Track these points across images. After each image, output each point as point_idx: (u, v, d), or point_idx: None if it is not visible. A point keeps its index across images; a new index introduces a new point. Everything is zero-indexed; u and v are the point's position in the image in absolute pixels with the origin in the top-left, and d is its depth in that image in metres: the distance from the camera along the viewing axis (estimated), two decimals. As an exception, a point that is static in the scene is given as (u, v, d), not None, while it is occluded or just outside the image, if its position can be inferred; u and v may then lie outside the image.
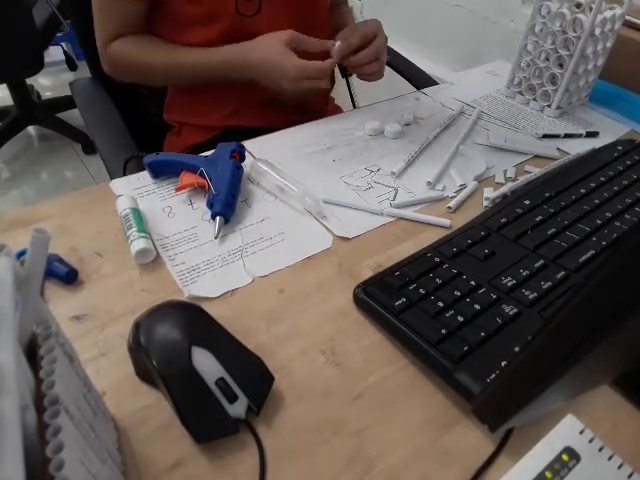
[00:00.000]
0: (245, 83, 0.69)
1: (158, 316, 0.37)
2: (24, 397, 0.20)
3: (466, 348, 0.37)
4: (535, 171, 0.61)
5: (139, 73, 0.73)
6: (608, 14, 0.68)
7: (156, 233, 0.49)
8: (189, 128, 0.79)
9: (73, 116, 1.93)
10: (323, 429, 0.35)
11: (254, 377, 0.35)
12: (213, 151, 0.56)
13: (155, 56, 0.71)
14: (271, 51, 0.64)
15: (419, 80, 0.94)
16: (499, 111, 0.75)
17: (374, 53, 0.68)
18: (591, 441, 0.34)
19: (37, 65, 1.68)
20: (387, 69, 0.83)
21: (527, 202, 0.53)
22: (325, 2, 0.78)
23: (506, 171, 0.62)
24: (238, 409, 0.33)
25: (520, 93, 0.78)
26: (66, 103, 2.00)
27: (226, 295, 0.44)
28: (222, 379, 0.34)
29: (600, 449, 0.33)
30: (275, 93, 0.69)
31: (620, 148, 0.64)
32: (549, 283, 0.43)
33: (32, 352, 0.23)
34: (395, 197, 0.56)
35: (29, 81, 1.90)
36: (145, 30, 0.72)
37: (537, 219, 0.51)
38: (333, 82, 0.80)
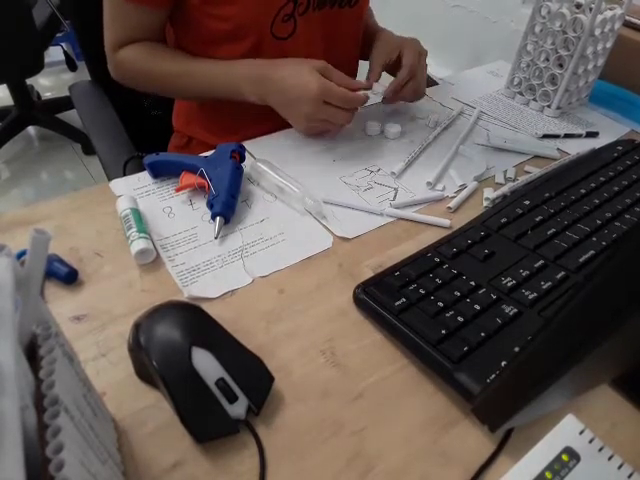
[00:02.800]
0: (263, 109, 0.64)
1: (158, 316, 0.37)
2: (24, 397, 0.20)
3: (466, 348, 0.37)
4: (535, 171, 0.61)
5: (148, 81, 0.69)
6: (608, 14, 0.68)
7: (156, 233, 0.49)
8: (199, 142, 0.78)
9: (73, 116, 1.93)
10: (323, 429, 0.35)
11: (254, 377, 0.35)
12: (213, 151, 0.56)
13: (166, 63, 0.67)
14: (298, 68, 0.60)
15: (419, 80, 0.93)
16: (499, 111, 0.75)
17: (415, 86, 0.68)
18: (591, 441, 0.34)
19: (37, 65, 1.68)
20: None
21: (527, 202, 0.53)
22: (358, 28, 0.76)
23: (506, 171, 0.62)
24: (238, 409, 0.33)
25: (520, 93, 0.78)
26: (66, 103, 2.00)
27: (226, 295, 0.44)
28: (222, 379, 0.34)
29: (600, 449, 0.33)
30: (286, 126, 0.65)
31: (620, 148, 0.64)
32: (549, 283, 0.43)
33: (32, 352, 0.23)
34: (395, 197, 0.56)
35: (29, 81, 1.89)
36: (159, 39, 0.69)
37: (537, 219, 0.51)
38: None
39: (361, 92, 0.62)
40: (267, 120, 0.66)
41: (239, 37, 0.65)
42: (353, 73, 0.83)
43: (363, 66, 0.83)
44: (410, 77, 0.67)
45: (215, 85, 0.65)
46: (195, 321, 0.37)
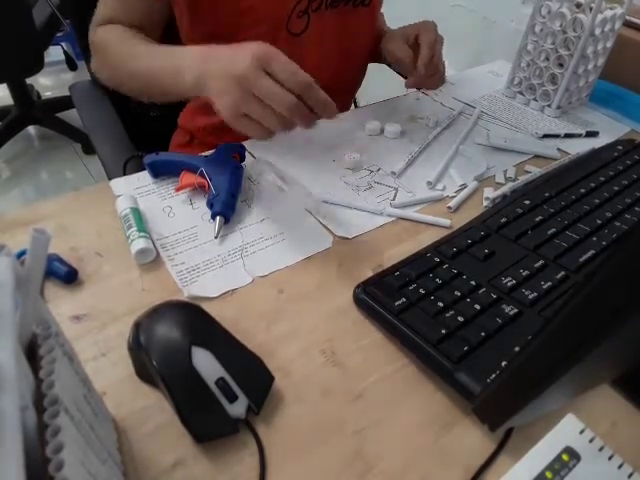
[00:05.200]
0: None
1: (158, 316, 0.37)
2: (24, 397, 0.20)
3: (466, 348, 0.37)
4: (535, 171, 0.61)
5: (106, 61, 0.64)
6: (608, 14, 0.68)
7: (156, 233, 0.49)
8: (200, 141, 0.78)
9: (73, 116, 1.92)
10: (323, 429, 0.35)
11: (254, 377, 0.35)
12: (213, 151, 0.56)
13: (125, 42, 0.60)
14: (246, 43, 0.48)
15: (419, 80, 0.93)
16: (499, 111, 0.75)
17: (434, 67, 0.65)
18: (591, 441, 0.34)
19: (37, 65, 1.68)
20: (387, 69, 0.83)
21: (527, 202, 0.53)
22: (372, 27, 0.75)
23: (506, 171, 0.62)
24: (238, 409, 0.33)
25: (520, 93, 0.78)
26: (66, 103, 2.00)
27: (226, 295, 0.44)
28: (222, 379, 0.34)
29: (600, 449, 0.33)
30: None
31: (620, 148, 0.64)
32: (549, 283, 0.43)
33: (32, 352, 0.23)
34: (395, 197, 0.56)
35: (29, 81, 1.89)
36: (151, 32, 0.64)
37: (537, 219, 0.51)
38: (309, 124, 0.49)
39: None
40: None
41: (255, 33, 0.62)
42: (362, 74, 0.83)
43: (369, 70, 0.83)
44: (432, 55, 0.64)
45: (158, 64, 0.56)
46: (195, 321, 0.37)
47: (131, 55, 0.60)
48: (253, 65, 0.45)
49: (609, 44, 0.73)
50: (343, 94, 0.84)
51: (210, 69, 0.49)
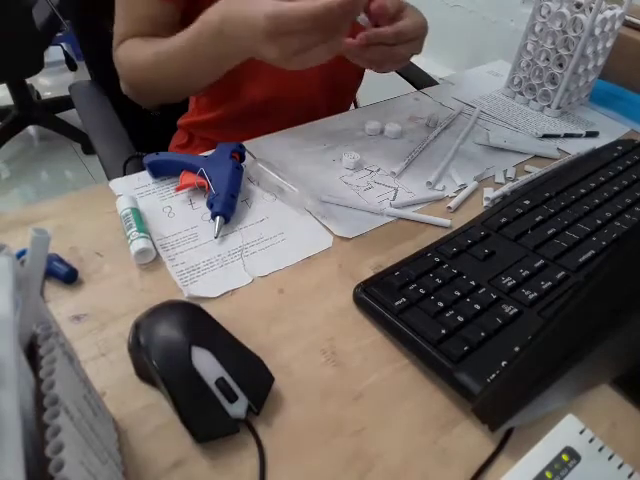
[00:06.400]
0: (262, 109, 0.59)
1: (158, 316, 0.37)
2: (24, 397, 0.20)
3: (466, 348, 0.37)
4: (535, 171, 0.61)
5: (138, 78, 0.64)
6: (608, 14, 0.68)
7: (156, 233, 0.49)
8: (200, 141, 0.78)
9: (73, 116, 1.92)
10: (323, 429, 0.35)
11: (254, 377, 0.35)
12: (213, 151, 0.56)
13: (147, 50, 0.60)
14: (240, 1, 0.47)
15: (419, 80, 0.94)
16: (499, 111, 0.75)
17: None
18: (591, 441, 0.34)
19: (37, 65, 1.68)
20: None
21: (527, 202, 0.53)
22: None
23: (506, 171, 0.62)
24: (238, 409, 0.33)
25: (520, 93, 0.78)
26: (66, 103, 2.00)
27: (226, 295, 0.44)
28: (222, 379, 0.34)
29: (600, 449, 0.33)
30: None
31: (620, 148, 0.64)
32: (549, 283, 0.43)
33: (32, 352, 0.23)
34: (395, 197, 0.56)
35: (29, 81, 1.89)
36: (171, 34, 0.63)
37: (537, 219, 0.51)
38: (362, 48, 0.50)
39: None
40: (267, 120, 0.66)
41: None
42: (361, 73, 0.83)
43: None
44: (395, 42, 0.54)
45: (189, 58, 0.56)
46: (195, 321, 0.37)
47: (166, 58, 0.59)
48: (274, 44, 0.45)
49: (609, 44, 0.73)
50: (343, 94, 0.84)
51: (242, 44, 0.49)
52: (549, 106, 0.75)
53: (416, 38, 0.56)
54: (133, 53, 0.63)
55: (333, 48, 0.46)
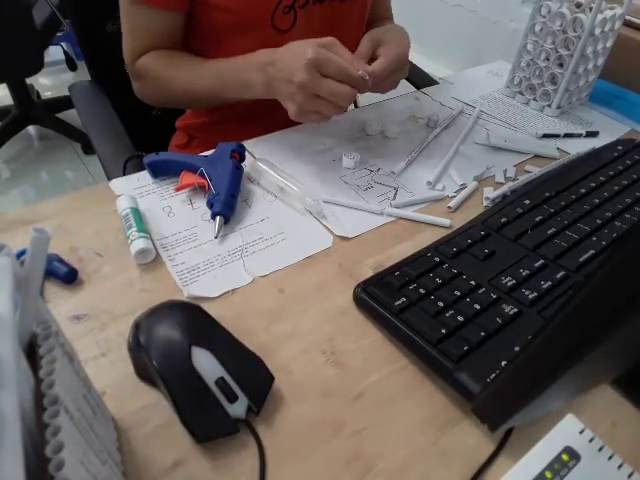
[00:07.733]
0: (262, 109, 0.63)
1: (158, 316, 0.37)
2: (24, 397, 0.20)
3: (466, 348, 0.37)
4: (535, 171, 0.61)
5: (162, 89, 0.68)
6: (608, 14, 0.68)
7: (156, 233, 0.49)
8: (199, 142, 0.78)
9: (73, 116, 1.92)
10: (323, 429, 0.35)
11: (254, 377, 0.35)
12: (213, 151, 0.56)
13: (178, 69, 0.65)
14: (300, 43, 0.54)
15: (419, 80, 0.94)
16: (499, 111, 0.75)
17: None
18: (591, 441, 0.34)
19: (37, 65, 1.68)
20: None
21: (527, 202, 0.53)
22: (361, 23, 0.74)
23: (506, 171, 0.62)
24: (238, 409, 0.33)
25: (520, 93, 0.78)
26: (66, 103, 2.00)
27: (226, 295, 0.44)
28: (222, 379, 0.34)
29: (600, 449, 0.33)
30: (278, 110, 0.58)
31: (620, 148, 0.63)
32: (549, 283, 0.43)
33: (32, 352, 0.23)
34: (395, 197, 0.56)
35: (29, 81, 1.89)
36: (178, 45, 0.68)
37: (537, 219, 0.51)
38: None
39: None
40: (267, 120, 0.66)
41: (242, 30, 0.64)
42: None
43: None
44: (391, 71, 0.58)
45: (225, 82, 0.62)
46: (195, 320, 0.37)
47: (189, 76, 0.65)
48: (310, 72, 0.51)
49: (609, 44, 0.73)
50: None
51: (275, 78, 0.55)
52: (549, 106, 0.75)
53: (398, 69, 0.59)
54: (159, 66, 0.66)
55: (338, 112, 0.55)
